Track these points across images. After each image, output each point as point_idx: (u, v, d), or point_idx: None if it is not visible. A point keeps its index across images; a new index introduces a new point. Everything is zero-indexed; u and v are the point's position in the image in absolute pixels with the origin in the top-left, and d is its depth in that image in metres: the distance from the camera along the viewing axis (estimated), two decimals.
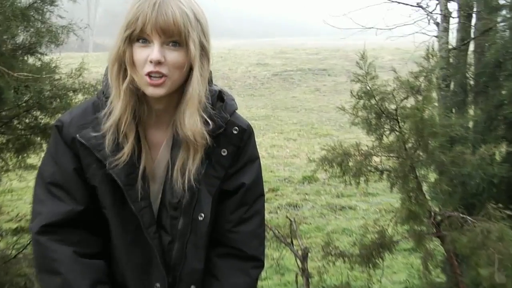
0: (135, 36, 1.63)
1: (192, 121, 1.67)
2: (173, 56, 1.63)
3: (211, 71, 1.76)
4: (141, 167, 1.72)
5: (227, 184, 1.81)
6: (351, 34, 7.33)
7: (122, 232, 1.75)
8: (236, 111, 1.84)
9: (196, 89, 1.66)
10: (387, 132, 4.00)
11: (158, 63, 1.62)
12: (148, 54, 1.62)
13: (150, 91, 1.65)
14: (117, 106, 1.67)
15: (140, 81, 1.65)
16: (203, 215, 1.75)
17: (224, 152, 1.77)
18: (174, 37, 1.61)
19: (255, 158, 1.87)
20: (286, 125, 15.35)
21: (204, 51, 1.67)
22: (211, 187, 1.76)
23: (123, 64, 1.65)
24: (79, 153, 1.72)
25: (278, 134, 14.22)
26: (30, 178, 9.01)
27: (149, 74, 1.63)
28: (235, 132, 1.78)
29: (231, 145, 1.78)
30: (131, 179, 1.71)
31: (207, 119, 1.71)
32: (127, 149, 1.68)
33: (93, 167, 1.71)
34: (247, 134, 1.83)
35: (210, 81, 1.77)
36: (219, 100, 1.79)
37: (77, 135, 1.70)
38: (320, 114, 16.91)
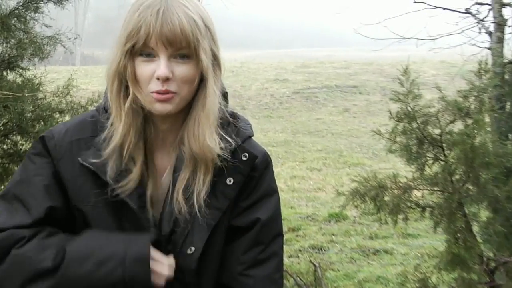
0: (138, 50, 1.67)
1: (203, 137, 1.73)
2: (182, 70, 1.68)
3: (223, 85, 1.83)
4: (148, 194, 1.77)
5: (239, 220, 1.84)
6: (386, 45, 7.37)
7: None
8: (252, 137, 1.89)
9: (213, 103, 1.73)
10: (430, 162, 4.01)
11: (166, 79, 1.66)
12: (153, 70, 1.67)
13: (157, 107, 1.70)
14: (119, 129, 1.72)
15: (144, 99, 1.70)
16: (193, 248, 1.77)
17: (230, 181, 1.80)
18: (182, 48, 1.66)
19: (273, 191, 1.90)
20: (309, 152, 15.37)
21: (216, 60, 1.73)
22: (210, 219, 1.78)
23: (124, 81, 1.70)
24: (70, 173, 1.76)
25: (299, 163, 14.25)
26: None
27: (155, 92, 1.68)
28: (244, 159, 1.82)
29: (239, 174, 1.81)
30: (142, 206, 1.76)
31: (219, 139, 1.77)
32: (135, 174, 1.74)
33: (89, 189, 1.75)
34: (263, 163, 1.87)
35: (224, 97, 1.83)
36: (231, 123, 1.85)
37: (79, 159, 1.75)
38: (349, 139, 16.94)
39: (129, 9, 1.71)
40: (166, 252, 1.77)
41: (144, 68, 1.68)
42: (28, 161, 1.81)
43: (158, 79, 1.67)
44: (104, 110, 1.80)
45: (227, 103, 1.87)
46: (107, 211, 1.76)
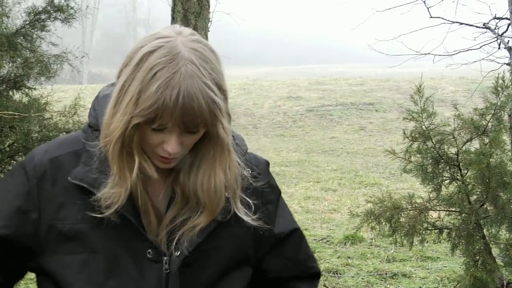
0: (150, 126, 1.67)
1: (217, 193, 1.77)
2: (192, 139, 1.72)
3: None
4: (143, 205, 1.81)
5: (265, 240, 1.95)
6: (402, 61, 7.40)
7: (91, 282, 1.80)
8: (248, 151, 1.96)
9: (236, 174, 1.80)
10: (447, 182, 4.02)
11: None
12: (162, 140, 1.68)
13: (160, 165, 1.76)
14: (122, 194, 1.73)
15: (145, 162, 1.73)
16: (179, 252, 1.81)
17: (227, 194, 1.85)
18: (197, 128, 1.68)
19: (278, 199, 2.04)
20: (324, 172, 15.36)
21: (229, 119, 1.75)
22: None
23: (127, 147, 1.70)
24: (48, 192, 1.78)
25: (314, 184, 14.23)
26: None
27: (161, 157, 1.73)
28: (246, 174, 1.87)
29: (243, 187, 1.87)
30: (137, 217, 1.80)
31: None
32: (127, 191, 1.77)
33: (74, 206, 1.78)
34: (267, 172, 1.98)
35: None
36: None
37: (69, 178, 1.77)
38: (365, 158, 16.91)
39: (139, 60, 1.66)
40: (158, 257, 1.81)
41: (152, 137, 1.69)
42: (3, 178, 1.88)
43: (166, 150, 1.70)
44: (89, 127, 1.82)
45: None
46: (92, 229, 1.78)
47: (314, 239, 10.32)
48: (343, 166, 15.98)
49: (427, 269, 8.78)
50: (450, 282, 7.89)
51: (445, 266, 8.71)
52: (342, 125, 21.19)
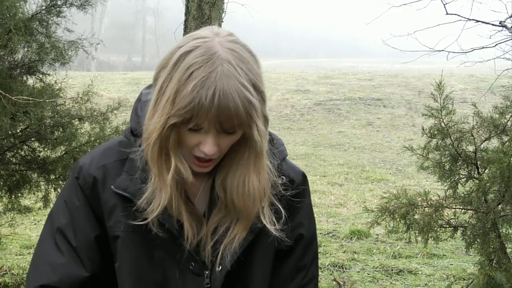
0: (186, 126, 1.66)
1: (253, 201, 1.76)
2: (228, 141, 1.71)
3: None
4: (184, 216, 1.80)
5: (279, 242, 1.89)
6: (416, 57, 7.36)
7: None
8: (286, 157, 1.94)
9: (266, 179, 1.77)
10: (464, 179, 4.00)
11: None
12: (198, 140, 1.68)
13: (196, 169, 1.75)
14: (163, 196, 1.73)
15: (182, 164, 1.72)
16: (220, 267, 1.81)
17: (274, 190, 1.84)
18: (233, 128, 1.66)
19: (312, 210, 2.00)
20: (331, 166, 15.34)
21: (266, 123, 1.73)
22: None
23: (164, 149, 1.70)
24: (101, 199, 1.81)
25: (320, 178, 14.22)
26: (21, 223, 9.14)
27: (197, 159, 1.72)
28: (280, 182, 1.86)
29: (275, 196, 1.85)
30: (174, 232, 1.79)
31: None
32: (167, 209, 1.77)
33: (121, 210, 1.80)
34: (302, 183, 1.95)
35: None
36: (269, 143, 1.86)
37: (112, 187, 1.79)
38: (372, 154, 16.89)
39: (176, 60, 1.65)
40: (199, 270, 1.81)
41: (189, 138, 1.68)
42: (64, 192, 1.88)
43: (203, 151, 1.69)
44: (131, 132, 1.84)
45: None
46: (137, 238, 1.79)
47: (320, 233, 10.31)
48: (350, 161, 15.96)
49: (433, 266, 8.77)
50: (456, 280, 7.88)
51: (452, 264, 8.69)
52: (350, 120, 21.16)
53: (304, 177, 1.96)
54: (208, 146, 1.66)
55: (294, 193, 1.89)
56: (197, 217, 1.81)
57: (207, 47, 1.64)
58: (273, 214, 1.81)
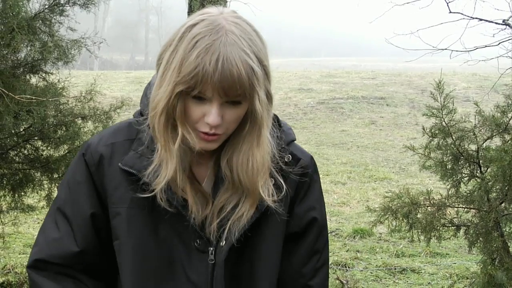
0: (191, 94, 1.69)
1: (256, 177, 1.78)
2: (233, 113, 1.72)
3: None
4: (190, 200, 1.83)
5: (295, 225, 1.93)
6: (419, 56, 7.35)
7: (142, 269, 1.85)
8: (295, 141, 1.97)
9: (267, 150, 1.78)
10: (466, 178, 4.00)
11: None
12: (203, 112, 1.70)
13: (202, 145, 1.76)
14: (169, 167, 1.75)
15: (188, 134, 1.74)
16: (224, 241, 1.83)
17: (271, 181, 1.85)
18: (237, 97, 1.69)
19: (322, 194, 2.02)
20: (334, 165, 15.35)
21: (269, 98, 1.76)
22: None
23: (171, 119, 1.72)
24: (106, 176, 1.84)
25: (323, 176, 14.21)
26: (25, 222, 9.16)
27: (202, 133, 1.73)
28: (286, 160, 1.88)
29: (281, 176, 1.87)
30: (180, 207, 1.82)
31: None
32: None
33: (125, 191, 1.82)
34: (311, 166, 1.96)
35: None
36: (276, 125, 1.90)
37: (120, 164, 1.82)
38: (375, 152, 16.88)
39: (182, 34, 1.70)
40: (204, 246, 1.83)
41: (194, 109, 1.70)
42: (70, 169, 1.92)
43: (208, 123, 1.70)
44: (141, 114, 1.87)
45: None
46: (142, 215, 1.82)
47: None
48: (353, 159, 15.96)
49: (436, 265, 8.77)
50: (459, 279, 7.88)
51: (455, 263, 8.70)
52: (353, 119, 21.15)
53: (312, 160, 1.98)
54: (212, 116, 1.68)
55: (302, 173, 1.92)
56: (203, 195, 1.83)
57: (212, 19, 1.69)
58: (273, 187, 1.82)
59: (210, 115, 1.68)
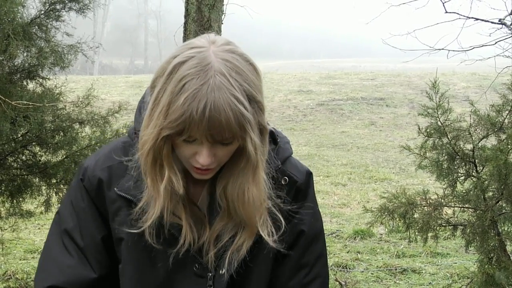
0: (178, 138, 1.67)
1: (253, 208, 1.76)
2: (225, 151, 1.70)
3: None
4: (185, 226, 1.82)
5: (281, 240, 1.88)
6: (416, 56, 7.36)
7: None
8: (291, 156, 1.94)
9: (263, 190, 1.76)
10: (462, 178, 4.00)
11: None
12: (194, 151, 1.68)
13: (196, 176, 1.75)
14: (156, 205, 1.74)
15: (175, 176, 1.73)
16: (224, 270, 1.82)
17: (273, 200, 1.83)
18: (227, 140, 1.66)
19: (315, 207, 1.97)
20: (334, 166, 15.35)
21: (263, 131, 1.73)
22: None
23: (159, 159, 1.70)
24: (107, 200, 1.84)
25: (323, 178, 14.22)
26: (25, 228, 9.16)
27: (195, 168, 1.72)
28: (283, 183, 1.87)
29: (278, 197, 1.84)
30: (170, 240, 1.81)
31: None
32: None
33: (126, 212, 1.82)
34: (304, 183, 1.93)
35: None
36: (272, 142, 1.88)
37: (115, 189, 1.81)
38: (375, 153, 16.89)
39: (171, 70, 1.65)
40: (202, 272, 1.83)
41: (184, 148, 1.69)
42: (70, 192, 1.91)
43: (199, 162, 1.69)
44: (134, 132, 1.85)
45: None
46: (140, 240, 1.81)
47: (324, 234, 10.30)
48: (353, 160, 15.95)
49: (437, 265, 8.77)
50: (460, 279, 7.87)
51: (455, 263, 8.69)
52: (353, 120, 21.15)
53: (308, 175, 1.94)
54: (203, 157, 1.66)
55: (296, 192, 1.90)
56: (200, 220, 1.82)
57: (201, 57, 1.63)
58: (271, 223, 1.80)
59: (201, 157, 1.67)
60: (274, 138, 1.89)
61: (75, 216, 1.86)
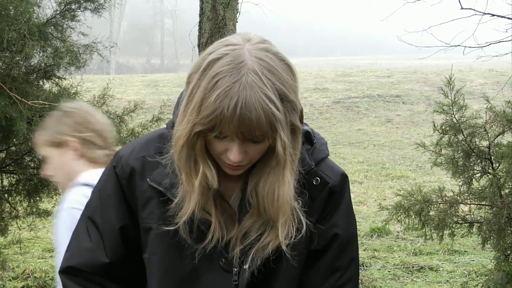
0: (210, 134, 1.68)
1: (282, 206, 1.76)
2: (256, 149, 1.71)
3: (301, 109, 1.83)
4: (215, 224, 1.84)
5: (317, 242, 1.90)
6: (432, 53, 7.32)
7: (167, 284, 1.88)
8: (328, 157, 1.93)
9: (288, 192, 1.75)
10: (478, 175, 3.98)
11: None
12: (225, 147, 1.70)
13: (228, 172, 1.77)
14: (192, 201, 1.76)
15: (209, 171, 1.75)
16: (247, 265, 1.83)
17: (298, 203, 1.83)
18: (258, 138, 1.67)
19: (350, 212, 1.97)
20: (350, 164, 15.32)
21: (294, 131, 1.73)
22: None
23: (192, 155, 1.73)
24: (137, 190, 1.87)
25: None
26: (43, 227, 9.21)
27: (227, 164, 1.74)
28: (315, 183, 1.86)
29: (308, 198, 1.85)
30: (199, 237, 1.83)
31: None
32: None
33: (156, 203, 1.84)
34: (338, 186, 1.91)
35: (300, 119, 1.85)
36: (307, 142, 1.88)
37: (148, 180, 1.84)
38: (392, 151, 16.83)
39: (205, 67, 1.66)
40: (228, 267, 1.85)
41: (217, 144, 1.70)
42: (101, 180, 1.96)
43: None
44: (172, 124, 1.85)
45: (303, 120, 1.88)
46: (169, 231, 1.83)
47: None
48: (369, 158, 15.91)
49: (454, 262, 8.73)
50: (478, 276, 7.83)
51: (473, 260, 8.65)
52: (369, 117, 21.09)
53: (343, 177, 1.93)
54: (234, 154, 1.68)
55: (329, 194, 1.89)
56: (230, 216, 1.84)
57: (235, 55, 1.64)
58: (293, 229, 1.80)
59: (232, 153, 1.69)
60: (310, 139, 1.89)
61: (100, 202, 1.91)
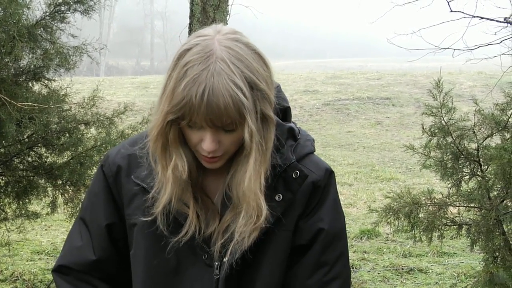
0: (181, 123, 1.70)
1: (244, 185, 1.76)
2: (229, 138, 1.72)
3: (288, 108, 1.88)
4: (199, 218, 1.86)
5: (301, 237, 1.89)
6: (422, 55, 7.35)
7: (151, 280, 1.90)
8: (312, 153, 1.93)
9: (253, 178, 1.75)
10: (467, 177, 4.00)
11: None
12: (200, 138, 1.71)
13: (206, 165, 1.79)
14: (167, 192, 1.78)
15: (180, 161, 1.76)
16: (226, 258, 1.85)
17: (279, 197, 1.84)
18: (228, 126, 1.68)
19: (336, 205, 1.95)
20: (340, 166, 15.34)
21: (264, 119, 1.73)
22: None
23: (166, 144, 1.75)
24: (123, 187, 1.90)
25: None
26: (32, 229, 9.19)
27: (203, 156, 1.75)
28: (294, 176, 1.85)
29: (289, 191, 1.85)
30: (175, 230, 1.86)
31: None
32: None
33: (140, 200, 1.87)
34: (323, 180, 1.90)
35: (286, 113, 1.89)
36: (291, 138, 1.89)
37: (132, 176, 1.88)
38: (382, 153, 16.87)
39: (178, 57, 1.70)
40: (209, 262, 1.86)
41: (191, 134, 1.72)
42: (91, 185, 2.00)
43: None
44: None
45: (290, 118, 1.92)
46: (153, 227, 1.84)
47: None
48: (359, 160, 15.94)
49: (444, 264, 8.76)
50: (466, 278, 7.86)
51: (462, 262, 8.68)
52: (359, 120, 21.12)
53: (328, 172, 1.91)
54: (206, 143, 1.69)
55: (313, 188, 1.88)
56: (213, 211, 1.85)
57: (204, 45, 1.67)
58: (268, 208, 1.79)
59: (205, 142, 1.70)
60: (294, 135, 1.90)
61: (89, 202, 1.96)
